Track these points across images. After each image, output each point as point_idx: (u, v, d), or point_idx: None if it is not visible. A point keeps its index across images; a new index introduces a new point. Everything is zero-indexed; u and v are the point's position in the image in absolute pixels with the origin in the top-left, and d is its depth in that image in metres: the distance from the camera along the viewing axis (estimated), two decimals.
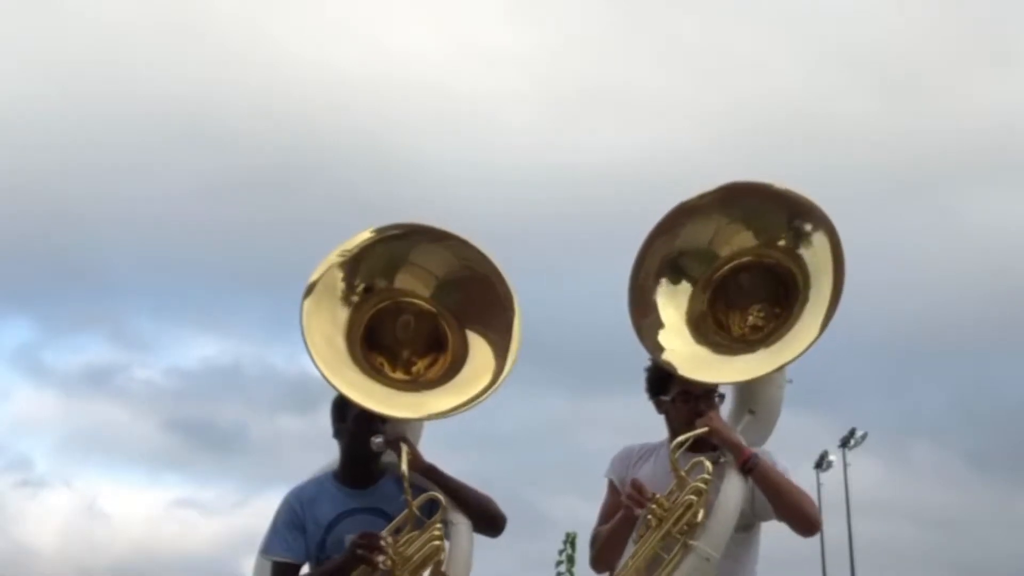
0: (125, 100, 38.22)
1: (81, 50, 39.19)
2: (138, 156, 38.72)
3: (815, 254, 4.04)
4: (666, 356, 4.10)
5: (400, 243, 4.09)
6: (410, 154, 38.19)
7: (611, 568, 4.05)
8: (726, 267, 4.20)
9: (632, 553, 3.91)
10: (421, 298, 4.14)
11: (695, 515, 3.85)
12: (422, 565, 3.88)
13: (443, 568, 3.89)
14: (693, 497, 3.86)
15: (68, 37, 39.20)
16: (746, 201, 4.16)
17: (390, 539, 3.85)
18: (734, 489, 3.91)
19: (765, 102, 39.48)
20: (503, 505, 4.11)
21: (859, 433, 31.13)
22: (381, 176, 37.39)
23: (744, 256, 4.18)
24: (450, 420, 4.05)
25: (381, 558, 3.81)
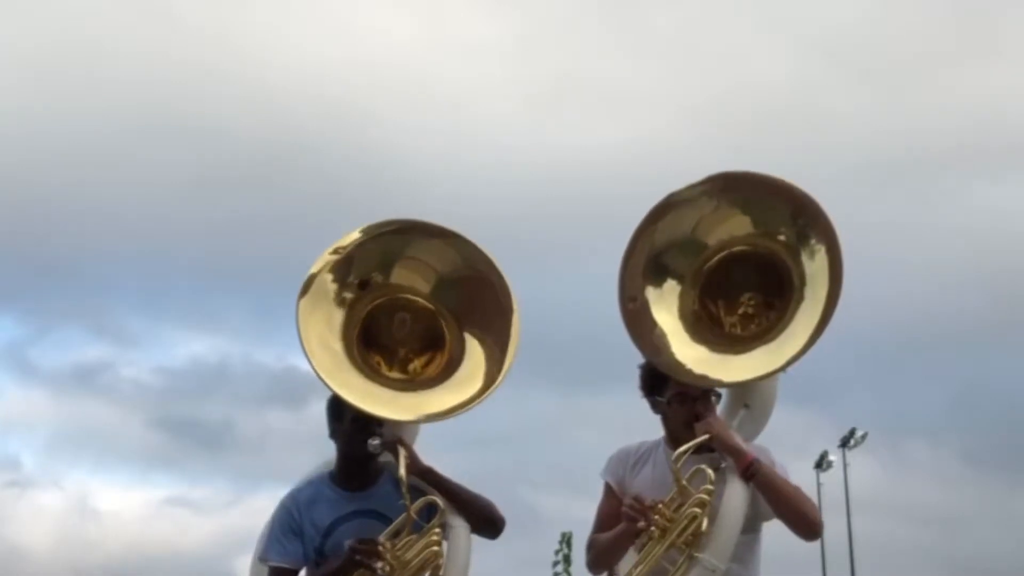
0: (100, 92, 38.08)
1: (57, 41, 38.97)
2: (117, 150, 38.67)
3: (814, 253, 3.98)
4: (664, 359, 4.06)
5: (397, 238, 4.06)
6: (392, 148, 38.16)
7: (609, 571, 4.03)
8: (715, 258, 4.13)
9: (635, 563, 3.88)
10: (419, 295, 4.11)
11: (699, 526, 3.83)
12: (420, 569, 3.87)
13: (441, 572, 3.88)
14: (697, 510, 3.84)
15: (44, 28, 39.03)
16: (743, 191, 4.10)
17: (388, 544, 3.84)
18: (737, 497, 3.88)
19: (746, 94, 39.30)
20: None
21: (859, 433, 31.18)
22: (364, 171, 37.43)
23: (735, 245, 4.12)
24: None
25: (379, 564, 3.80)
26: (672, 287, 4.14)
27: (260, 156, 38.73)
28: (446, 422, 4.04)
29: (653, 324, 4.10)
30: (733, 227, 4.11)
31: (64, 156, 38.33)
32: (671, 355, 4.06)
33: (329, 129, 40.08)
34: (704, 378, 4.02)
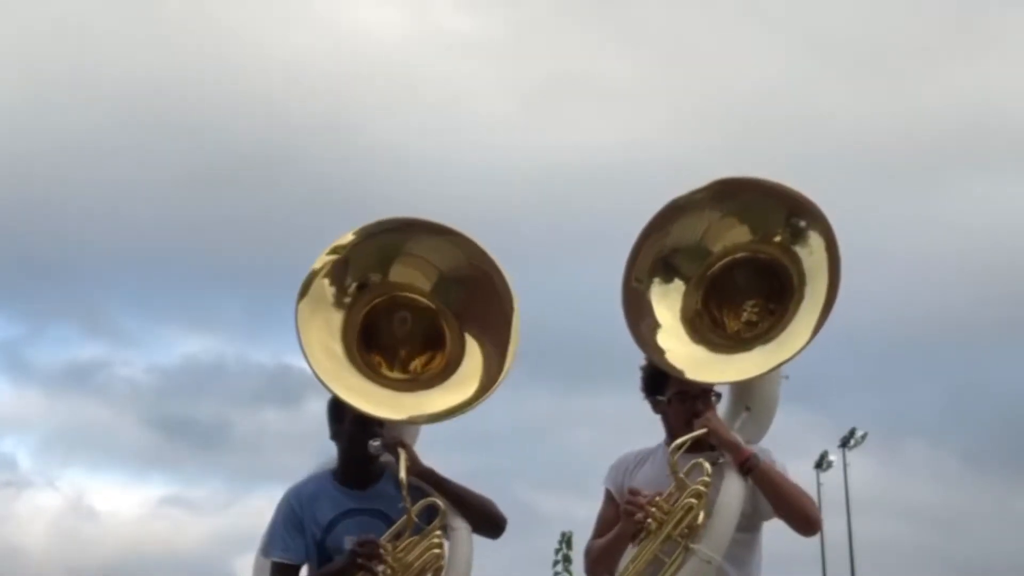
0: (93, 89, 37.89)
1: (47, 38, 38.88)
2: (110, 148, 38.61)
3: (811, 251, 4.00)
4: (664, 358, 4.07)
5: (395, 236, 4.05)
6: (385, 148, 38.09)
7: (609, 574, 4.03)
8: (719, 263, 4.15)
9: (632, 556, 3.89)
10: (420, 293, 4.10)
11: (695, 518, 3.84)
12: (422, 572, 3.87)
13: (443, 575, 3.89)
14: (693, 500, 3.85)
15: (33, 25, 38.97)
16: (741, 196, 4.13)
17: (389, 546, 3.85)
18: (734, 490, 3.89)
19: (742, 92, 39.21)
20: None
21: (859, 433, 31.21)
22: (357, 170, 37.45)
23: (738, 252, 4.14)
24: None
25: (381, 567, 3.81)
26: (678, 286, 4.16)
27: (254, 155, 38.72)
28: (446, 422, 4.04)
29: (651, 315, 4.12)
30: (736, 234, 4.14)
31: (57, 155, 38.31)
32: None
33: (322, 128, 40.01)
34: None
